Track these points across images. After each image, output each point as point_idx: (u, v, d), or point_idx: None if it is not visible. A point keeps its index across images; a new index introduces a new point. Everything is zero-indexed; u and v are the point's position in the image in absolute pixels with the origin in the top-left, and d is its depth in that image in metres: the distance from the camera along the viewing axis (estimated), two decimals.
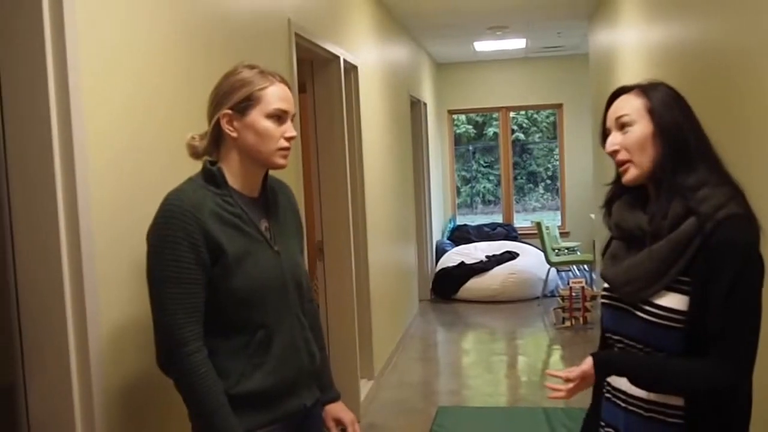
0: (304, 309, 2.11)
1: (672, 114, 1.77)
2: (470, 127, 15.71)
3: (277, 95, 1.94)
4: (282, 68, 3.72)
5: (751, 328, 1.68)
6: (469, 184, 15.91)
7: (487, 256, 9.21)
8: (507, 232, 10.64)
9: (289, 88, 2.00)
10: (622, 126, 1.81)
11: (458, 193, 14.59)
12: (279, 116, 1.94)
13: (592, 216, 8.81)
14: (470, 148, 15.97)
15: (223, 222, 1.87)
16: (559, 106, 10.88)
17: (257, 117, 1.92)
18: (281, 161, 1.98)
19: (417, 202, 8.75)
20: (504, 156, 11.38)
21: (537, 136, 15.98)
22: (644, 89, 1.82)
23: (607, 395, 1.94)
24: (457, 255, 9.37)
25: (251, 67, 1.97)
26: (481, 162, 16.03)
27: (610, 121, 1.84)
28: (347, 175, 5.00)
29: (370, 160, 5.78)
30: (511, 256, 9.08)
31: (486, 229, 10.77)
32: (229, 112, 1.91)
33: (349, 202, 5.03)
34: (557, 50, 10.12)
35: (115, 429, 2.06)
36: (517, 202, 15.08)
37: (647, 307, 1.77)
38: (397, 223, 7.16)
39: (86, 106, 1.95)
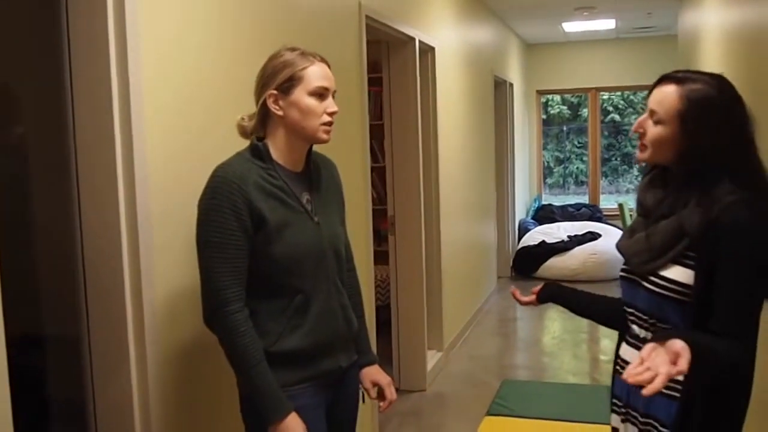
0: (343, 277, 2.26)
1: (702, 125, 1.76)
2: (564, 107, 15.55)
3: (317, 74, 2.07)
4: (352, 50, 3.93)
5: (754, 312, 1.74)
6: (563, 165, 15.79)
7: (569, 236, 9.23)
8: (591, 212, 10.60)
9: (329, 66, 2.14)
10: (652, 114, 1.82)
11: (551, 173, 14.53)
12: (321, 93, 2.07)
13: None
14: (564, 128, 15.82)
15: (266, 193, 2.02)
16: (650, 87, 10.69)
17: (300, 95, 2.05)
18: (324, 136, 2.11)
19: (499, 181, 8.84)
20: (592, 137, 11.31)
21: (633, 117, 15.65)
22: (685, 88, 1.78)
23: (616, 367, 2.03)
24: (539, 234, 9.42)
25: (293, 49, 2.11)
26: (575, 143, 15.86)
27: (648, 104, 1.85)
28: (419, 153, 5.19)
29: (445, 138, 5.93)
30: (593, 236, 9.07)
31: (571, 209, 10.77)
32: (275, 92, 2.05)
33: (420, 179, 5.21)
34: (649, 31, 9.93)
35: (167, 383, 2.30)
36: (611, 184, 14.89)
37: (653, 278, 1.83)
38: (475, 201, 7.29)
39: (145, 87, 2.19)
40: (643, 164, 1.95)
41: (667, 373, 1.47)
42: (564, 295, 2.25)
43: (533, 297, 2.28)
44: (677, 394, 1.82)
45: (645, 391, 1.45)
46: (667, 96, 1.79)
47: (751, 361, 1.77)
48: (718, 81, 1.81)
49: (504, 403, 4.77)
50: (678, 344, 1.52)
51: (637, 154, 1.89)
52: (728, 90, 1.81)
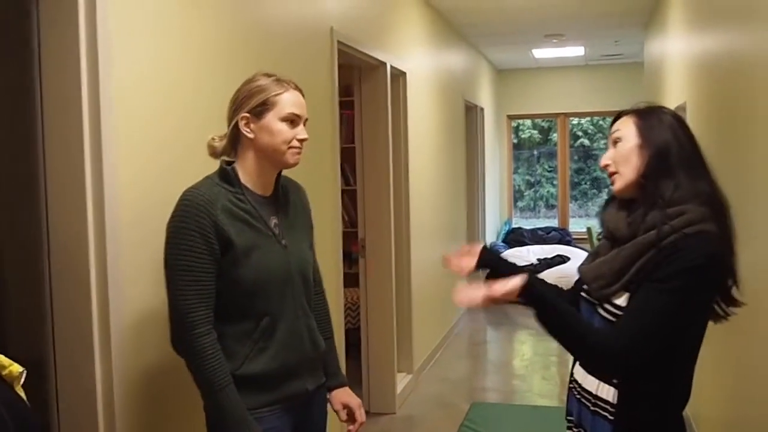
0: (310, 299, 2.28)
1: (659, 130, 1.86)
2: (535, 132, 15.73)
3: (290, 101, 2.12)
4: (324, 75, 3.97)
5: (660, 329, 1.74)
6: (533, 188, 15.95)
7: (538, 259, 9.32)
8: (561, 236, 10.72)
9: (302, 94, 2.18)
10: (615, 142, 1.92)
11: (522, 196, 14.65)
12: (292, 120, 2.11)
13: None
14: (535, 152, 15.98)
15: (233, 217, 2.05)
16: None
17: (272, 120, 2.09)
18: (292, 160, 2.15)
19: (470, 204, 8.90)
20: (561, 161, 11.46)
21: (602, 142, 15.86)
22: (639, 112, 1.92)
23: (570, 386, 2.07)
24: (509, 257, 9.47)
25: (268, 75, 2.15)
26: (546, 167, 16.02)
27: (609, 141, 1.95)
28: (390, 176, 5.23)
29: (416, 161, 5.98)
30: (562, 259, 9.17)
31: (540, 232, 10.88)
32: (247, 115, 2.09)
33: (391, 201, 5.25)
34: (616, 58, 10.14)
35: (134, 406, 2.29)
36: (580, 207, 15.05)
37: (607, 306, 1.86)
38: (446, 224, 7.33)
39: (117, 110, 2.21)
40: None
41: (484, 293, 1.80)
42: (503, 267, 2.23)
43: (472, 263, 2.24)
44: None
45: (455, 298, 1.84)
46: (625, 121, 1.93)
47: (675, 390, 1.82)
48: (669, 109, 1.94)
49: (473, 425, 4.77)
50: (516, 278, 1.80)
51: (613, 189, 1.94)
52: (678, 116, 1.92)
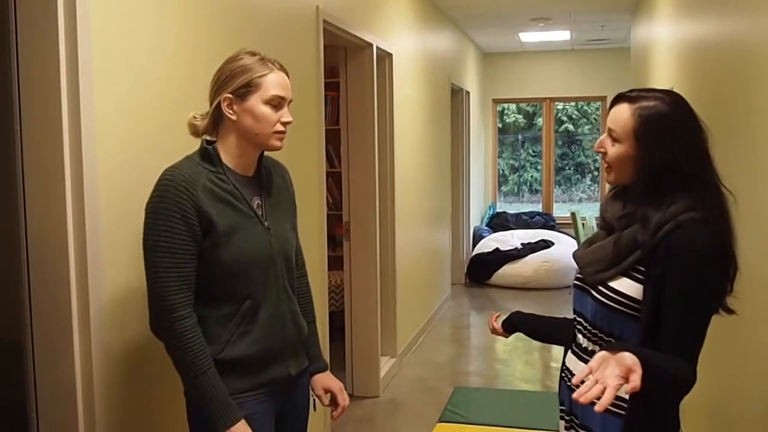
0: (293, 282, 2.23)
1: (656, 140, 1.78)
2: (520, 116, 15.72)
3: (275, 82, 2.04)
4: (309, 55, 3.91)
5: (701, 333, 1.74)
6: (517, 173, 15.97)
7: (522, 244, 9.31)
8: (545, 221, 10.72)
9: (287, 75, 2.11)
10: (611, 135, 1.85)
11: (506, 181, 14.67)
12: (277, 102, 2.05)
13: None
14: (519, 137, 15.99)
15: (215, 197, 1.99)
16: (603, 98, 10.87)
17: (256, 102, 2.02)
18: (277, 143, 2.09)
19: (454, 188, 8.88)
20: (546, 146, 11.44)
21: (587, 127, 15.88)
22: (636, 106, 1.81)
23: (561, 374, 2.06)
24: (493, 241, 9.49)
25: (252, 53, 2.07)
26: (530, 151, 16.04)
27: (607, 124, 1.88)
28: (375, 159, 5.18)
29: (402, 144, 5.94)
30: (545, 244, 9.16)
31: (524, 217, 10.88)
32: (230, 96, 2.01)
33: (376, 185, 5.21)
34: (603, 43, 10.11)
35: (114, 385, 2.25)
36: (564, 192, 15.09)
37: (602, 288, 1.85)
38: (431, 208, 7.31)
39: (96, 89, 2.15)
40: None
41: (615, 386, 1.45)
42: (525, 322, 2.30)
43: (501, 329, 2.33)
44: (615, 409, 1.82)
45: (597, 408, 1.44)
46: (622, 114, 1.83)
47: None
48: (670, 97, 1.83)
49: (456, 410, 4.77)
50: (629, 358, 1.50)
51: (605, 177, 1.92)
52: (680, 105, 1.83)
